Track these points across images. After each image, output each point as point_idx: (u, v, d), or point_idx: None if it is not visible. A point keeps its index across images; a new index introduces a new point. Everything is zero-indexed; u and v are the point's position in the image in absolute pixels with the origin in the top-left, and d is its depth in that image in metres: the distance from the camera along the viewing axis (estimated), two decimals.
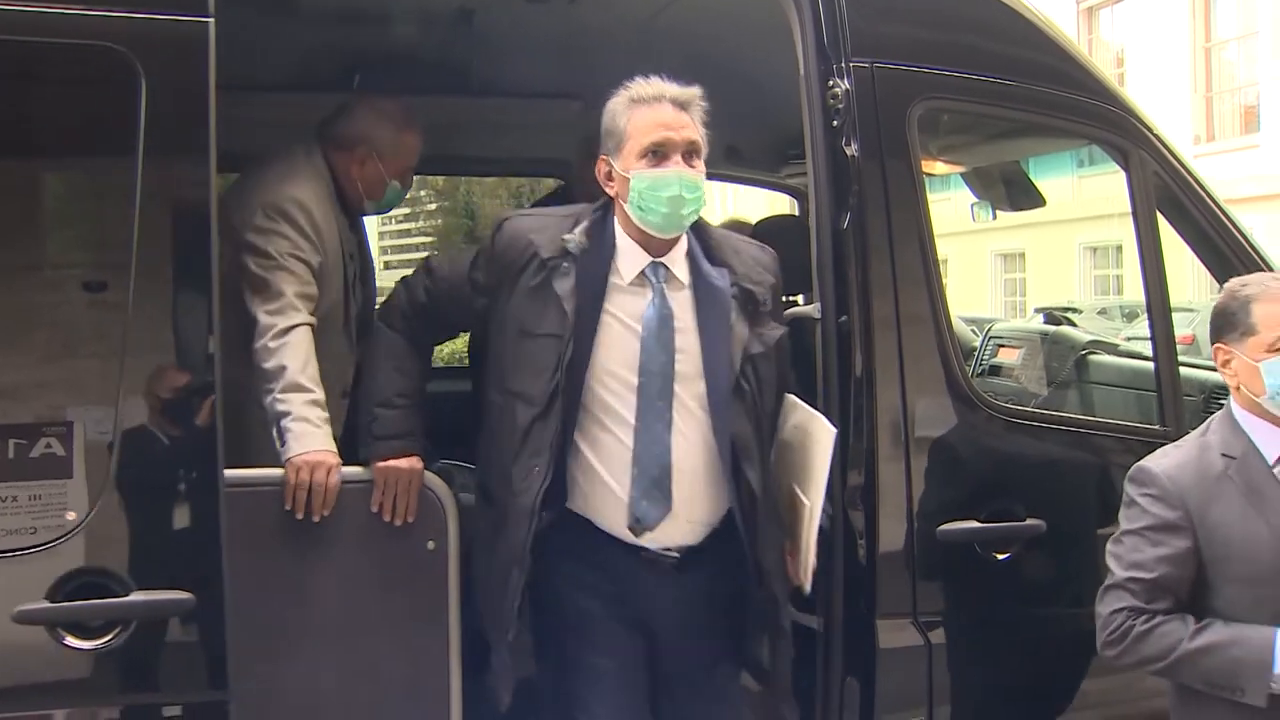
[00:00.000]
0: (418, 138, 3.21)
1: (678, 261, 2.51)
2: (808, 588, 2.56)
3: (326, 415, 2.70)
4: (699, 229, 2.57)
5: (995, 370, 4.46)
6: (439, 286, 2.65)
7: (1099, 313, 19.48)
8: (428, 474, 2.66)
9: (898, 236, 2.79)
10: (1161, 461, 2.48)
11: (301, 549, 2.56)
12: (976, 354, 4.61)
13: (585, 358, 2.42)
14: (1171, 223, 3.22)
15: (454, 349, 5.50)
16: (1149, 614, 2.39)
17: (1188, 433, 3.09)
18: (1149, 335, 3.23)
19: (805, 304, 3.16)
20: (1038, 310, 15.76)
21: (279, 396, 2.67)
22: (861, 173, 2.74)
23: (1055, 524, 2.94)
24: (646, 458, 2.42)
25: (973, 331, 4.83)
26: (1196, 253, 3.25)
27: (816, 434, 2.53)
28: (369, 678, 2.59)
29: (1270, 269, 3.24)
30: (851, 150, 2.74)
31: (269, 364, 2.72)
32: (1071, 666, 3.09)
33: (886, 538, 2.76)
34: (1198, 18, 24.41)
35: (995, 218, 3.97)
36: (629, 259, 2.48)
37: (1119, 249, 21.33)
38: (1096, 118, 3.16)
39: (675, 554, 2.48)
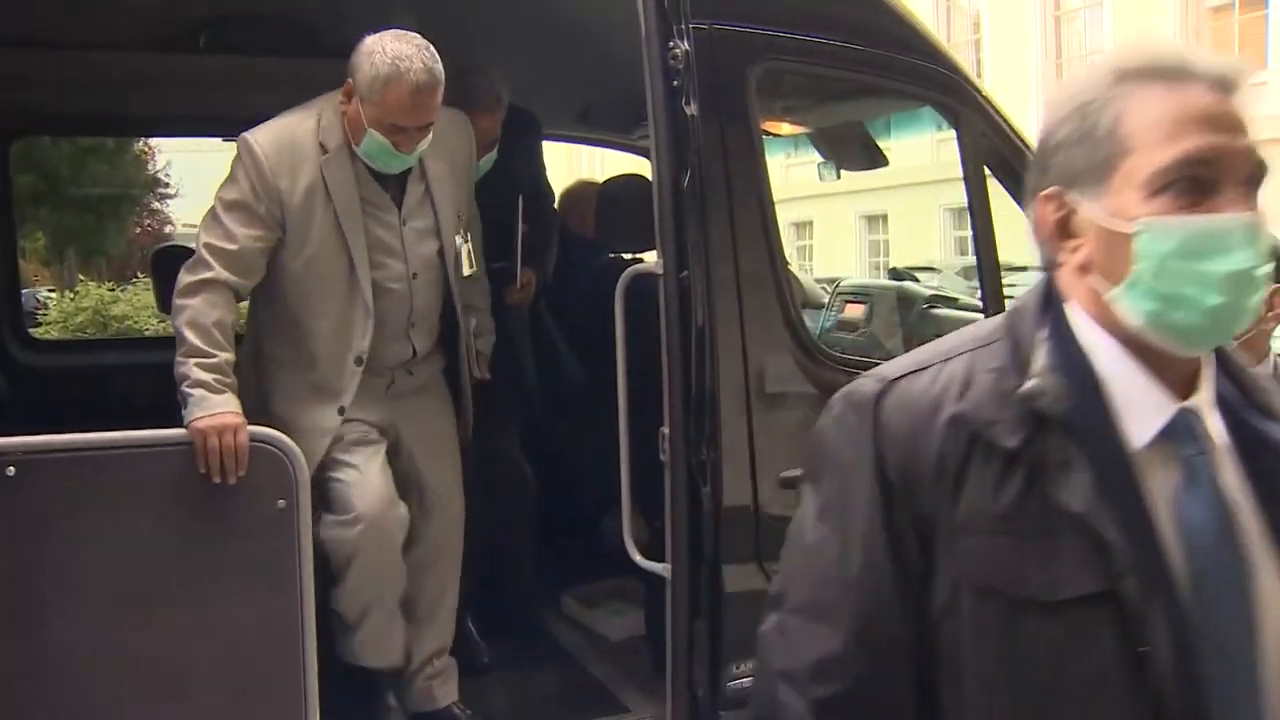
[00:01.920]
0: (416, 96, 2.80)
1: (1206, 403, 1.24)
2: None
3: (231, 379, 2.72)
4: None
5: (843, 324, 4.61)
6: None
7: (958, 272, 20.10)
8: (276, 433, 2.66)
9: (737, 195, 2.85)
10: None
11: (149, 508, 2.55)
12: (825, 309, 4.77)
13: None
14: (1000, 182, 3.36)
15: None
16: None
17: None
18: (979, 288, 3.39)
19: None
20: (888, 271, 16.16)
21: (179, 359, 2.71)
22: (701, 132, 2.79)
23: None
24: None
25: (823, 290, 4.99)
26: (1022, 208, 3.40)
27: None
28: (221, 637, 2.60)
29: None
30: (691, 110, 2.78)
31: (175, 323, 2.76)
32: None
33: (731, 485, 2.84)
34: None
35: (839, 177, 4.09)
36: (1134, 401, 1.21)
37: None
38: (929, 80, 3.27)
39: None
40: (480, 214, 3.38)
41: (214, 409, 2.62)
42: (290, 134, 2.88)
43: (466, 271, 3.14)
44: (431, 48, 2.85)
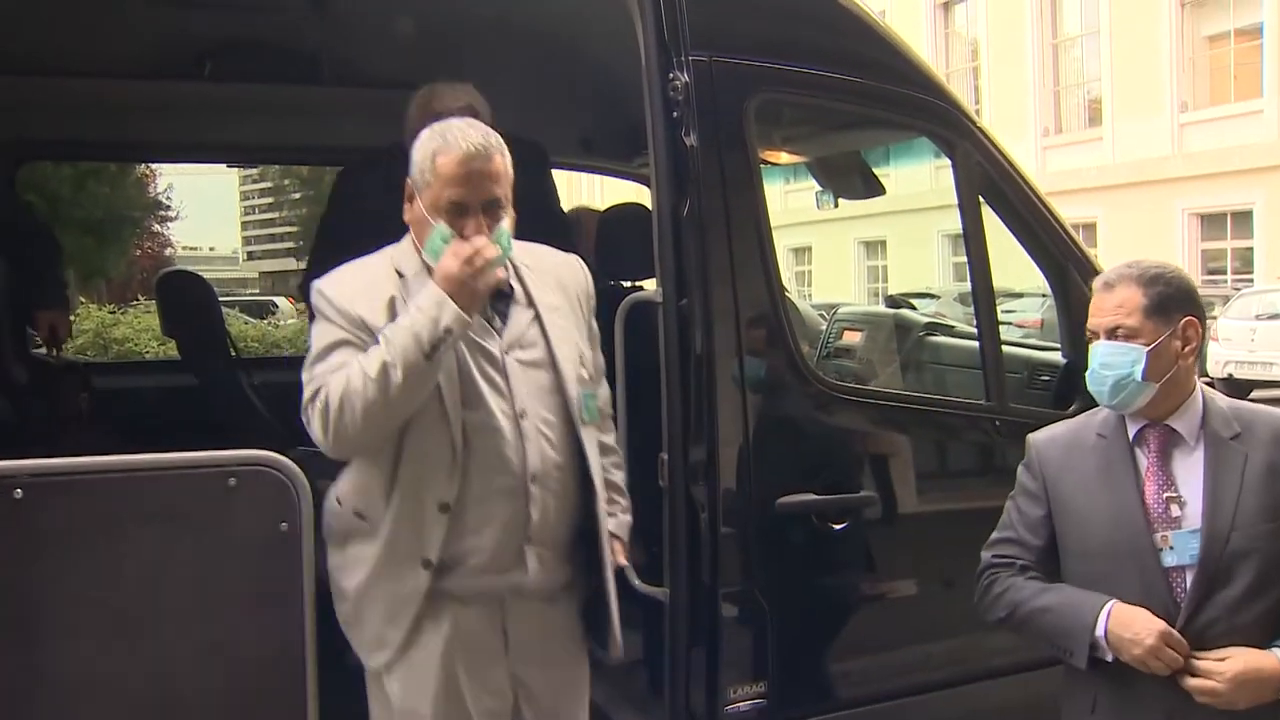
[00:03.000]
0: (470, 162, 2.46)
1: None
2: None
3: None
4: None
5: (840, 352, 4.65)
6: None
7: (956, 298, 20.16)
8: (279, 457, 2.68)
9: (735, 223, 2.89)
10: (1042, 433, 2.61)
11: (154, 531, 2.57)
12: (823, 336, 4.80)
13: None
14: (995, 210, 3.41)
15: None
16: (1005, 569, 2.52)
17: (1010, 407, 3.32)
18: (974, 316, 3.43)
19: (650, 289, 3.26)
20: (885, 298, 16.23)
21: (389, 366, 2.38)
22: (700, 162, 2.84)
23: (887, 494, 3.12)
24: None
25: (821, 316, 5.03)
26: (1017, 238, 3.46)
27: None
28: (221, 662, 2.62)
29: (1082, 253, 3.47)
30: (691, 141, 2.83)
31: (347, 399, 2.42)
32: (909, 630, 3.27)
33: (728, 511, 2.87)
34: (1044, 16, 25.40)
35: (837, 205, 4.14)
36: None
37: None
38: (925, 111, 3.32)
39: None
40: None
41: (431, 291, 2.40)
42: (359, 266, 2.60)
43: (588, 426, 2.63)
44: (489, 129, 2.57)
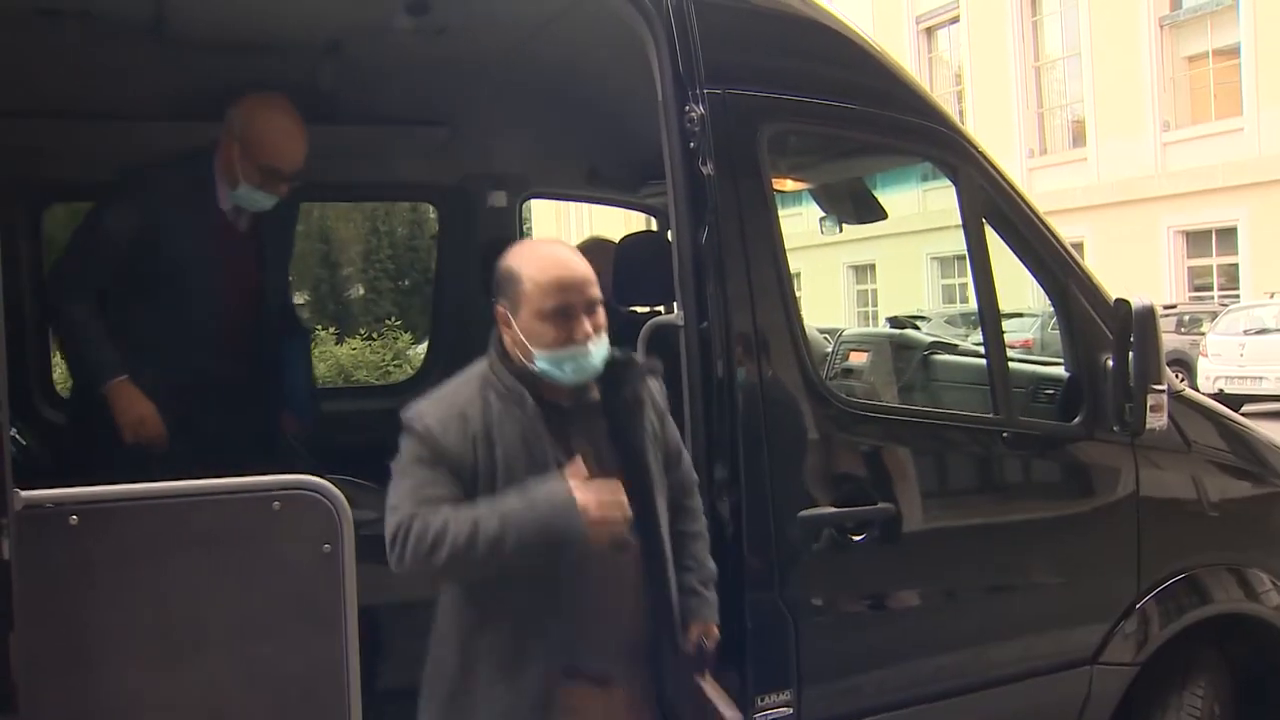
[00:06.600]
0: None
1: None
2: None
3: None
4: None
5: (847, 372, 4.75)
6: None
7: (946, 320, 20.33)
8: (321, 481, 2.77)
9: (752, 249, 3.00)
10: None
11: (202, 554, 2.66)
12: (830, 357, 4.91)
13: None
14: (998, 232, 3.53)
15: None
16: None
17: (1017, 419, 3.42)
18: (980, 334, 3.54)
19: (670, 314, 3.37)
20: (889, 319, 16.36)
21: None
22: (717, 191, 2.95)
23: (903, 506, 3.22)
24: None
25: (825, 339, 5.15)
26: (1020, 258, 3.57)
27: None
28: (267, 680, 2.70)
29: (1083, 271, 3.59)
30: (707, 170, 2.94)
31: None
32: (927, 638, 3.35)
33: (752, 525, 2.97)
34: (1027, 39, 25.69)
35: (841, 230, 4.26)
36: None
37: (964, 259, 22.33)
38: (928, 138, 3.44)
39: None
40: None
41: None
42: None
43: None
44: None
